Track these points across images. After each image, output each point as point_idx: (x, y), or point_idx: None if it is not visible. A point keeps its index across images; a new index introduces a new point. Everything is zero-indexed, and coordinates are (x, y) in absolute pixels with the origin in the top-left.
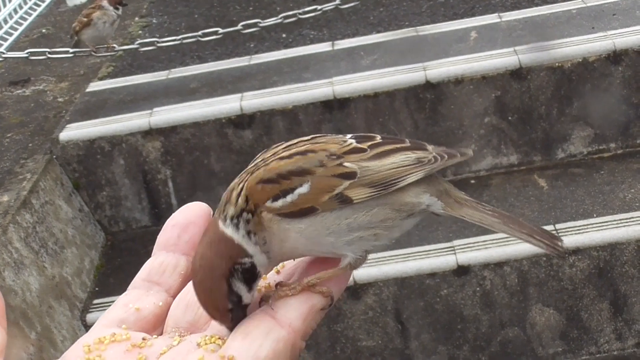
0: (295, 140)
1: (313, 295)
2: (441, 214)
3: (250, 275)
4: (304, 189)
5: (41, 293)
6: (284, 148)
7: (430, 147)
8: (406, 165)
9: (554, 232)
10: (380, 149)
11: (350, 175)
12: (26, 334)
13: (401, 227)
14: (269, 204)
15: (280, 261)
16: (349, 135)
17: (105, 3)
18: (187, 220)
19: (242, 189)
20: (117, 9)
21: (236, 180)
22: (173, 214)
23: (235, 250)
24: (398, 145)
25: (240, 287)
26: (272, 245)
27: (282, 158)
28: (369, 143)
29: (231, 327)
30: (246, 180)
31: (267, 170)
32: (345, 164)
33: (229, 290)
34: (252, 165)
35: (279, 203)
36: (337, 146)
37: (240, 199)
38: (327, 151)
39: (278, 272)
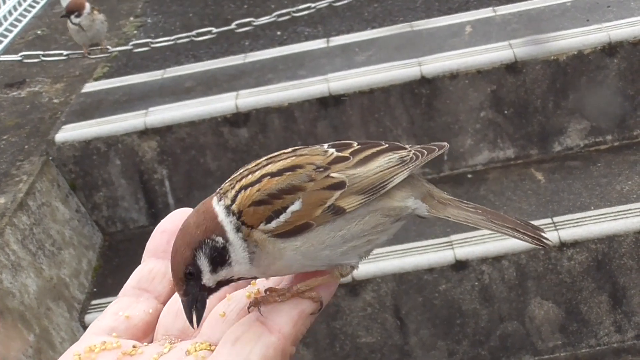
0: (277, 153)
1: (302, 301)
2: (426, 216)
3: (219, 258)
4: (296, 206)
5: (39, 295)
6: (267, 160)
7: (408, 146)
8: (391, 167)
9: (551, 225)
10: (362, 154)
11: (339, 185)
12: (24, 336)
13: (389, 231)
14: (262, 226)
15: (272, 276)
16: (326, 145)
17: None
18: (176, 226)
19: (235, 197)
20: (72, 21)
21: (235, 178)
22: (161, 221)
23: (213, 226)
24: (378, 149)
25: (203, 263)
26: (262, 260)
27: (272, 175)
28: (350, 150)
29: (184, 301)
30: (238, 191)
31: (258, 192)
32: (333, 174)
33: (190, 259)
34: (242, 171)
35: (273, 224)
36: (320, 157)
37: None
38: (313, 164)
39: (267, 277)
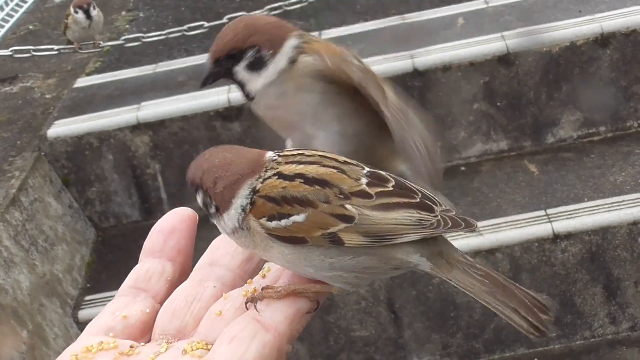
0: (331, 156)
1: (299, 299)
2: (429, 274)
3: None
4: (300, 217)
5: (32, 291)
6: (320, 156)
7: (438, 208)
8: (406, 225)
9: (544, 217)
10: (387, 199)
11: (348, 219)
12: (18, 332)
13: (384, 275)
14: (263, 221)
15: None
16: (366, 170)
17: (71, 9)
18: (173, 226)
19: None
20: (86, 15)
21: (275, 156)
22: (159, 220)
23: (239, 185)
24: (406, 200)
25: (199, 198)
26: (242, 238)
27: (306, 181)
28: (379, 190)
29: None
30: (276, 174)
31: (282, 189)
32: (347, 206)
33: (199, 188)
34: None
35: (273, 224)
36: (351, 182)
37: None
38: (339, 187)
39: (264, 276)
